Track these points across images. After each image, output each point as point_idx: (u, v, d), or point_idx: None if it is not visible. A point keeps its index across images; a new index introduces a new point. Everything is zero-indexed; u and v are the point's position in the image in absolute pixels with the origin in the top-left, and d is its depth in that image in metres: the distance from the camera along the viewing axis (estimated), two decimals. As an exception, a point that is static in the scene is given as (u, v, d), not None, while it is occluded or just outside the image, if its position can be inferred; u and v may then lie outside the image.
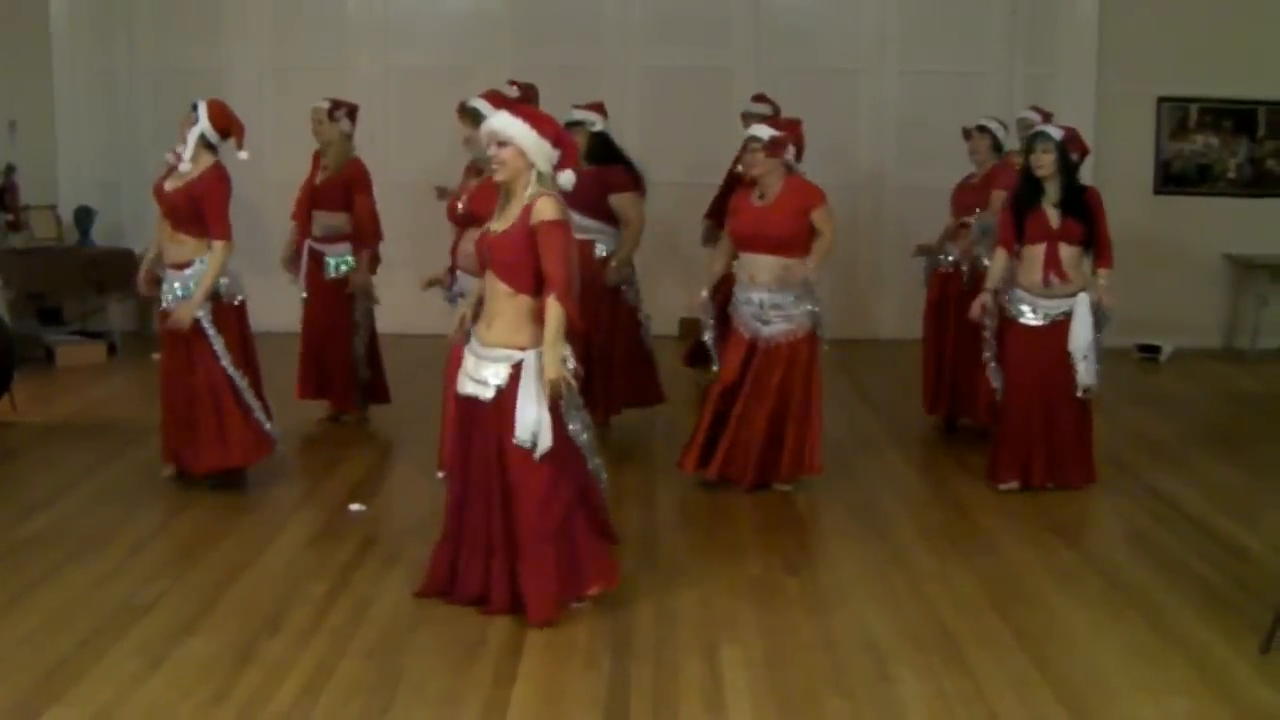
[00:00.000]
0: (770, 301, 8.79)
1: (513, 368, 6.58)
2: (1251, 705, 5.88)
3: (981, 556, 7.83)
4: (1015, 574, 7.57)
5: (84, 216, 14.15)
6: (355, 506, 8.54)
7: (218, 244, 8.51)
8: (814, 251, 8.85)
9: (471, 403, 6.72)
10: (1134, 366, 14.07)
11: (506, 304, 6.62)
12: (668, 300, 12.69)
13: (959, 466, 9.76)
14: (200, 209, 8.49)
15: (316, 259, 10.43)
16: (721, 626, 6.71)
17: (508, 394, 6.56)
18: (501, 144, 6.55)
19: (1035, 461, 9.05)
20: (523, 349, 6.58)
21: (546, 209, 6.51)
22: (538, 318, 6.57)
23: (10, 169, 13.97)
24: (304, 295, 10.54)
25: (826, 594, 7.27)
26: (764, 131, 8.85)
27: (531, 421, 6.51)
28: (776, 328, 8.81)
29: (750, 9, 14.61)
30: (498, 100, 8.35)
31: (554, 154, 6.63)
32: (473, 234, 7.44)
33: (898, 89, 14.73)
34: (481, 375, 6.65)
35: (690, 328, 12.48)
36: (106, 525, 8.21)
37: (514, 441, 6.53)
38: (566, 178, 6.65)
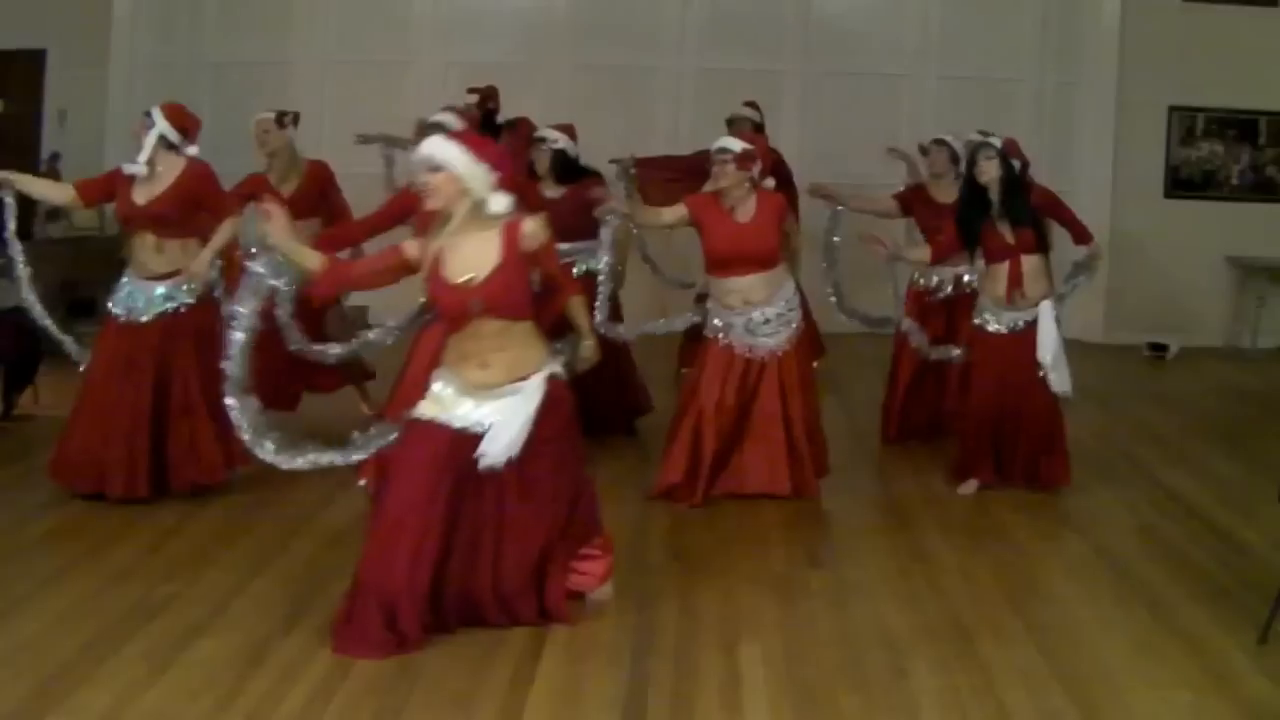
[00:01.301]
0: (771, 313, 8.69)
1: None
2: (1250, 696, 5.98)
3: (998, 550, 7.95)
4: (1029, 567, 7.72)
5: (126, 206, 14.23)
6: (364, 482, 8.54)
7: (227, 221, 8.62)
8: (790, 258, 9.23)
9: (462, 436, 6.35)
10: (1143, 364, 14.35)
11: (504, 340, 6.36)
12: (683, 307, 12.70)
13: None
14: (202, 206, 8.56)
15: None
16: (743, 623, 6.77)
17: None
18: (434, 170, 6.26)
19: (1005, 462, 9.10)
20: (526, 377, 6.39)
21: (537, 229, 6.39)
22: (535, 334, 6.53)
23: (54, 157, 14.06)
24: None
25: (848, 589, 7.34)
26: (734, 144, 8.70)
27: (508, 437, 6.32)
28: (780, 337, 8.73)
29: (801, 14, 14.91)
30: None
31: (492, 177, 6.34)
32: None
33: (937, 94, 14.88)
34: (483, 415, 6.34)
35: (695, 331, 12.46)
36: (123, 522, 8.14)
37: (479, 453, 6.32)
38: (500, 202, 6.39)
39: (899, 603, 7.08)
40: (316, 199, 10.23)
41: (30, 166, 14.20)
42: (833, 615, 6.91)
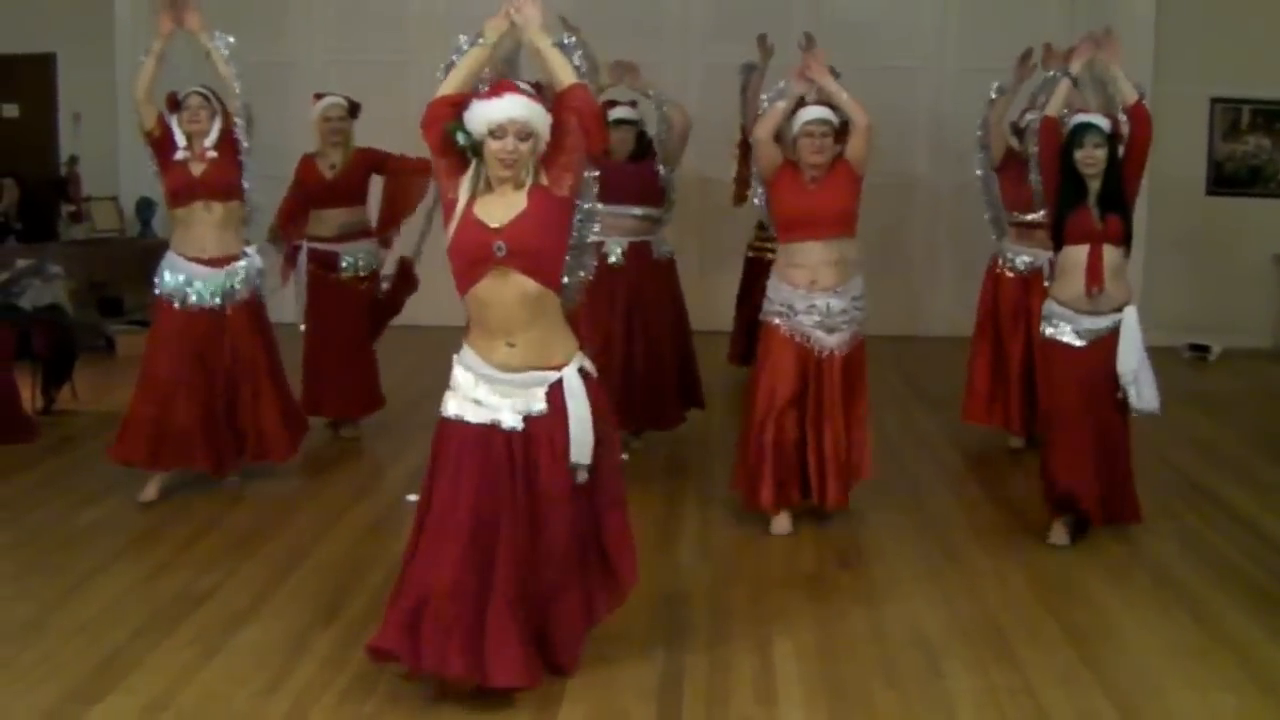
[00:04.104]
0: (838, 307, 7.98)
1: (549, 390, 5.78)
2: (1299, 703, 5.89)
3: (1032, 553, 7.86)
4: (1065, 571, 7.60)
5: (145, 207, 14.34)
6: (412, 497, 8.53)
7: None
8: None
9: (487, 432, 5.76)
10: (1184, 366, 14.07)
11: (533, 314, 5.74)
12: (726, 297, 12.71)
13: (1013, 463, 9.76)
14: (238, 165, 8.59)
15: (322, 261, 10.08)
16: (774, 620, 6.73)
17: (545, 420, 5.76)
18: (525, 137, 5.67)
19: (1089, 500, 7.98)
20: (558, 368, 5.80)
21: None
22: (564, 322, 5.96)
23: (73, 160, 14.15)
24: (302, 305, 10.17)
25: (879, 588, 7.31)
26: (834, 115, 8.00)
27: (589, 441, 5.79)
28: (843, 335, 8.05)
29: (811, 7, 14.73)
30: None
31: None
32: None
33: (956, 87, 14.77)
34: (505, 404, 5.75)
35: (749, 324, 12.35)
36: (164, 515, 8.31)
37: (570, 464, 5.78)
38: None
39: (932, 603, 7.04)
40: (362, 184, 10.15)
41: (49, 168, 14.40)
42: (865, 614, 6.87)
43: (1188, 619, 6.87)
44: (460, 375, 5.84)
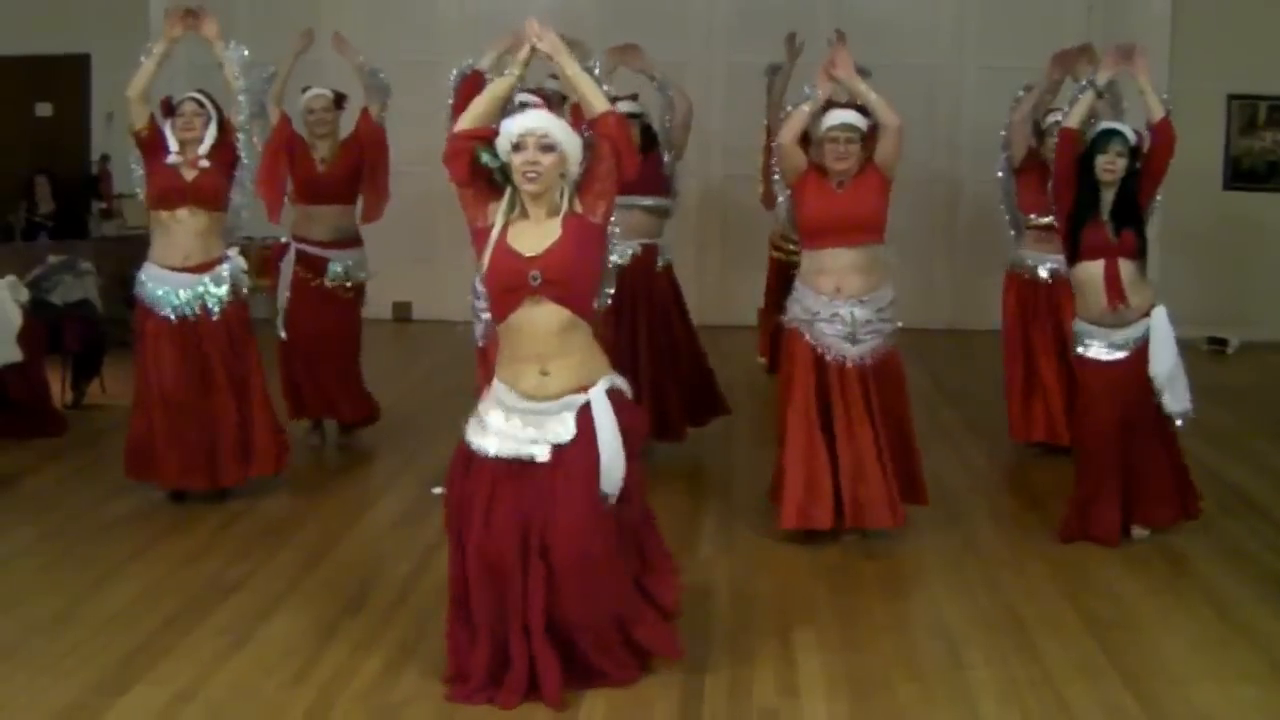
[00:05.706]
0: (862, 317, 7.64)
1: (579, 414, 5.70)
2: (1318, 693, 5.92)
3: (1051, 542, 7.90)
4: (1084, 560, 7.64)
5: (177, 204, 14.41)
6: (438, 489, 8.57)
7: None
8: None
9: (511, 465, 5.70)
10: (1202, 358, 13.95)
11: (564, 340, 5.70)
12: (748, 292, 12.75)
13: (1033, 456, 9.80)
14: (230, 176, 8.49)
15: (310, 264, 9.74)
16: (798, 610, 6.79)
17: (572, 448, 5.67)
18: (547, 149, 5.62)
19: (1130, 506, 7.90)
20: (586, 389, 5.72)
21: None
22: (597, 347, 5.88)
23: (105, 158, 14.23)
24: (283, 307, 9.73)
25: (902, 579, 7.39)
26: (861, 120, 7.68)
27: (620, 467, 5.69)
28: (867, 345, 7.69)
29: (832, 6, 14.70)
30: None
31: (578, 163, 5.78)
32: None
33: (976, 85, 14.84)
34: (535, 435, 5.68)
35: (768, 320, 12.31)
36: (193, 506, 8.37)
37: (602, 493, 5.67)
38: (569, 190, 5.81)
39: (953, 594, 7.10)
40: (352, 180, 9.82)
41: (80, 167, 14.50)
42: (888, 605, 6.95)
43: (1207, 609, 6.91)
44: (489, 410, 5.80)
